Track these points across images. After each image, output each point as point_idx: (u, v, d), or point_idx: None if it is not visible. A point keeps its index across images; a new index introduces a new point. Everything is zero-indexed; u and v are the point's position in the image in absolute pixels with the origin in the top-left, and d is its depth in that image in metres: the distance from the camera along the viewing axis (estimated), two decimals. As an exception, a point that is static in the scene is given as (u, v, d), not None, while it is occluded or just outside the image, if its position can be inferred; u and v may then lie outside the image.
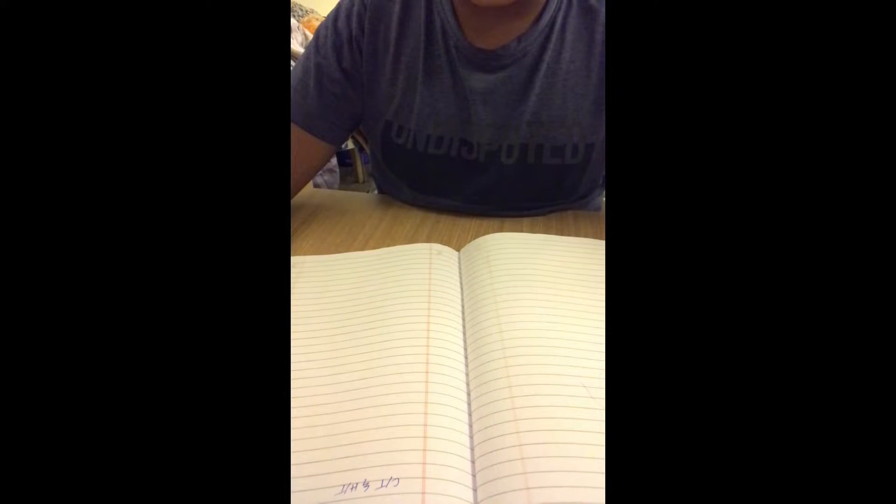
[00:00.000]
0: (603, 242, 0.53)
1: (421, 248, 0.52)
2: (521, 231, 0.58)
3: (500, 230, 0.58)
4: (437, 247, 0.52)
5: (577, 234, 0.55)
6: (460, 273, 0.49)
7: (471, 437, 0.33)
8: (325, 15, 0.59)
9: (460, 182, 0.60)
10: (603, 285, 0.46)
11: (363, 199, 0.69)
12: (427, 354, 0.38)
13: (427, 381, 0.35)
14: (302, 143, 0.59)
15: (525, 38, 0.52)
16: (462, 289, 0.47)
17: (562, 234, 0.56)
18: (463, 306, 0.45)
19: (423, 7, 0.53)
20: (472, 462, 0.31)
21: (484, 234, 0.57)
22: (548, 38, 0.52)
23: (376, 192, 0.77)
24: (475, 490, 0.30)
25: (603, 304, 0.43)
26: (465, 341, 0.41)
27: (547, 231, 0.57)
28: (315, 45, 0.57)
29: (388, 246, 0.55)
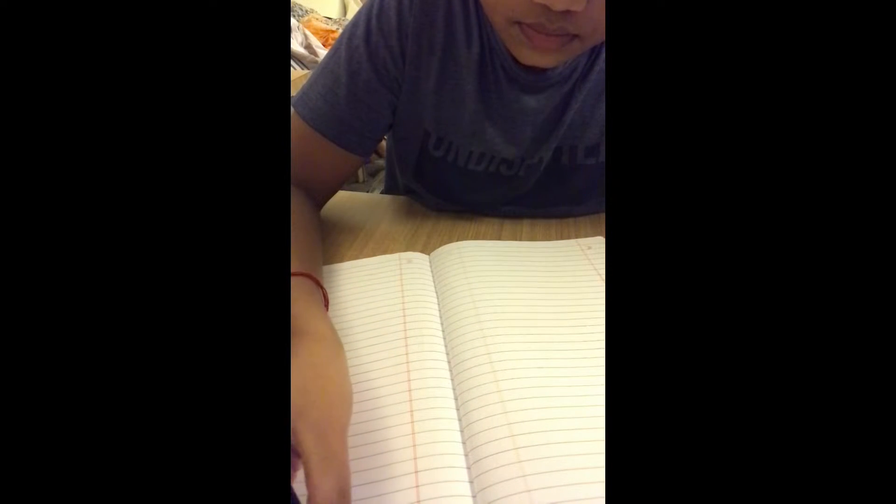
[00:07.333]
0: (567, 241, 0.54)
1: (390, 258, 0.52)
2: (521, 231, 0.58)
3: (500, 231, 0.58)
4: (406, 255, 0.52)
5: (577, 236, 0.55)
6: (433, 276, 0.49)
7: (463, 443, 0.33)
8: (325, 15, 0.58)
9: (495, 193, 0.59)
10: (571, 284, 0.47)
11: (363, 199, 0.69)
12: (408, 372, 0.37)
13: (410, 399, 0.35)
14: (331, 156, 0.54)
15: (578, 57, 0.50)
16: (437, 293, 0.47)
17: (562, 236, 0.56)
18: (440, 310, 0.45)
19: (475, 28, 0.50)
20: (468, 468, 0.31)
21: (484, 234, 0.57)
22: (599, 53, 0.50)
23: (377, 192, 0.77)
24: (473, 497, 0.30)
25: (576, 302, 0.44)
26: (446, 347, 0.41)
27: (547, 232, 0.57)
28: (347, 51, 0.51)
29: (387, 246, 0.55)
